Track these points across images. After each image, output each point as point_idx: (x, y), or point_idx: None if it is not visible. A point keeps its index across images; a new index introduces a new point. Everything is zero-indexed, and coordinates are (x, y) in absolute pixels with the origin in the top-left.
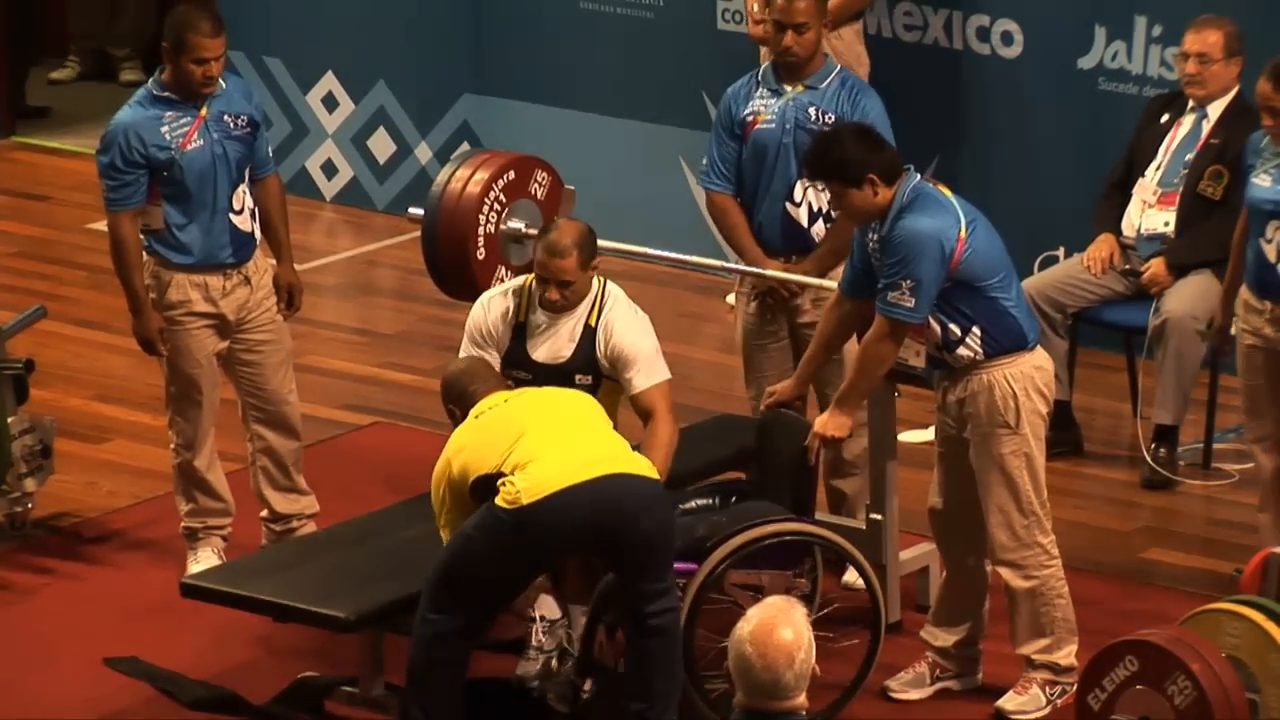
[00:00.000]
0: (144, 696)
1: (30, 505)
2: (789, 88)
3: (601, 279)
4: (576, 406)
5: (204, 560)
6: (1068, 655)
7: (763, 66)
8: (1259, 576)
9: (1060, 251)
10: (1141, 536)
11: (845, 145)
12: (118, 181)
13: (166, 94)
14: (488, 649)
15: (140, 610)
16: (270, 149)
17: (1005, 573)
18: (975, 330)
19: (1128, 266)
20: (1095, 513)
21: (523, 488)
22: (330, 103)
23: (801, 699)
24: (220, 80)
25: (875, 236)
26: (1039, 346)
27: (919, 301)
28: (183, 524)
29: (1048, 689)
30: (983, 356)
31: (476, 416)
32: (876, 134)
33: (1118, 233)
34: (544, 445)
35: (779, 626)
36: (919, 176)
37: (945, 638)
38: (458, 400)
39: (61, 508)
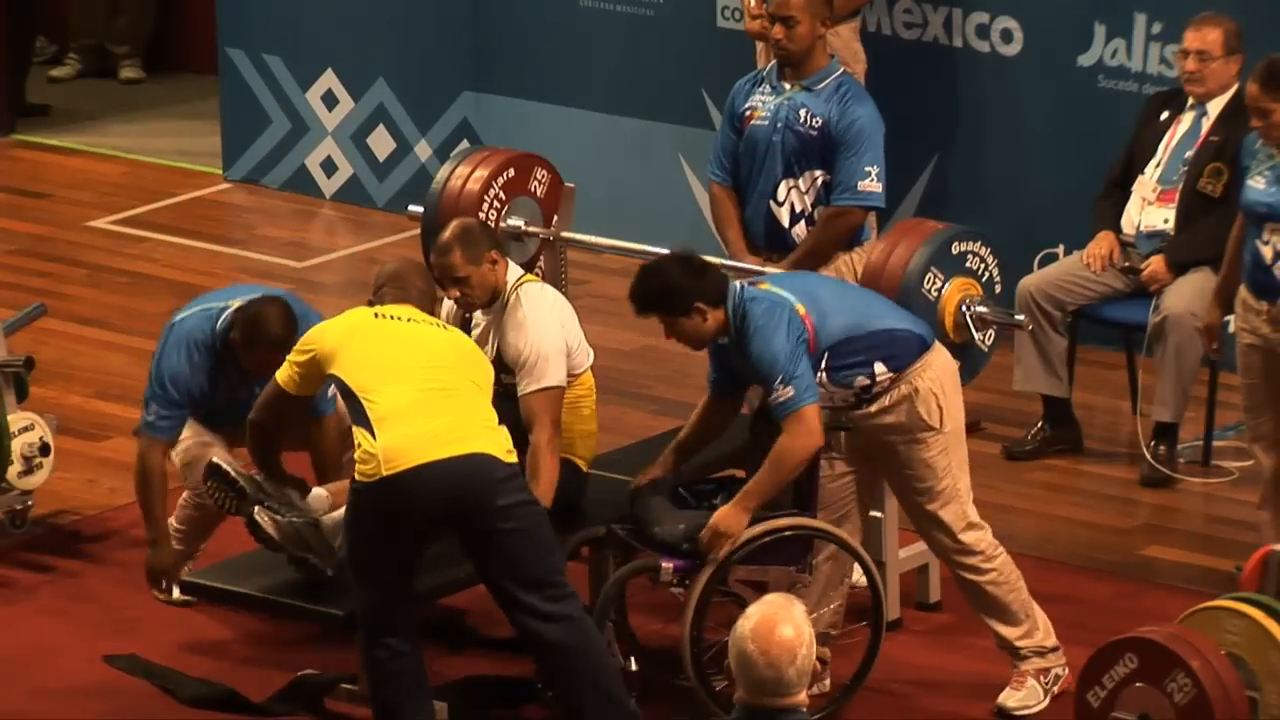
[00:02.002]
0: (143, 693)
1: (30, 503)
2: (788, 86)
3: (524, 278)
4: (465, 368)
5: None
6: (1047, 634)
7: (771, 64)
8: (1259, 574)
9: (1060, 249)
10: (1141, 534)
11: (669, 274)
12: (163, 411)
13: (231, 354)
14: (486, 647)
15: (140, 607)
16: (330, 391)
17: (959, 573)
18: (878, 365)
19: (1127, 264)
20: (1095, 510)
21: (383, 458)
22: (330, 100)
23: (802, 696)
24: None
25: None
26: (936, 341)
27: (798, 388)
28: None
29: (1041, 678)
30: (895, 374)
31: (376, 316)
32: (699, 260)
33: (1117, 230)
34: (412, 409)
35: (780, 623)
36: (739, 285)
37: None
38: (375, 291)
39: (61, 505)
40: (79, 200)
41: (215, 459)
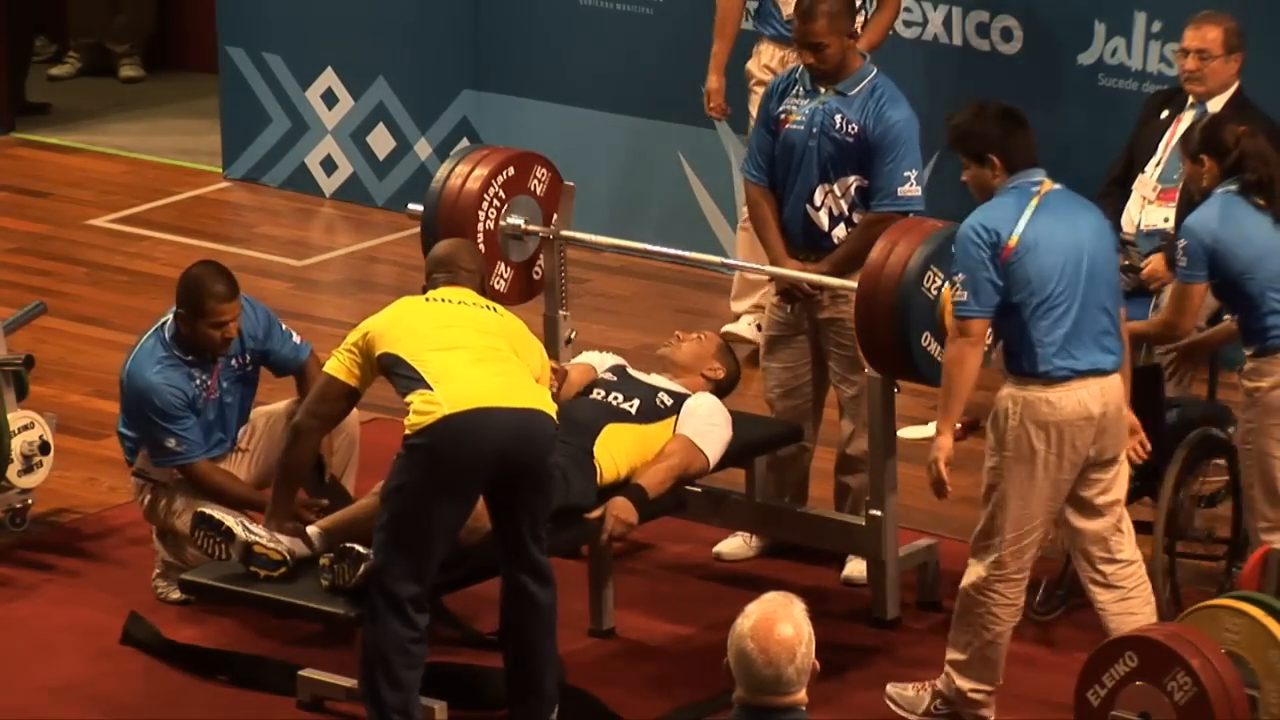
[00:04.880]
0: (144, 691)
1: (30, 501)
2: (822, 90)
3: None
4: (510, 341)
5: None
6: (969, 686)
7: (803, 65)
8: (1258, 572)
9: None
10: (1141, 532)
11: (981, 115)
12: (179, 433)
13: (189, 356)
14: (477, 645)
15: (140, 605)
16: (297, 338)
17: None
18: (1000, 345)
19: (1127, 262)
20: None
21: (446, 400)
22: (330, 99)
23: (802, 694)
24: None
25: None
26: (1072, 385)
27: (970, 295)
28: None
29: (939, 702)
30: (1006, 371)
31: (427, 300)
32: (1018, 118)
33: (1117, 229)
34: (468, 368)
35: (780, 622)
36: (1037, 179)
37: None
38: (427, 277)
39: (61, 504)
40: (79, 199)
41: (199, 508)
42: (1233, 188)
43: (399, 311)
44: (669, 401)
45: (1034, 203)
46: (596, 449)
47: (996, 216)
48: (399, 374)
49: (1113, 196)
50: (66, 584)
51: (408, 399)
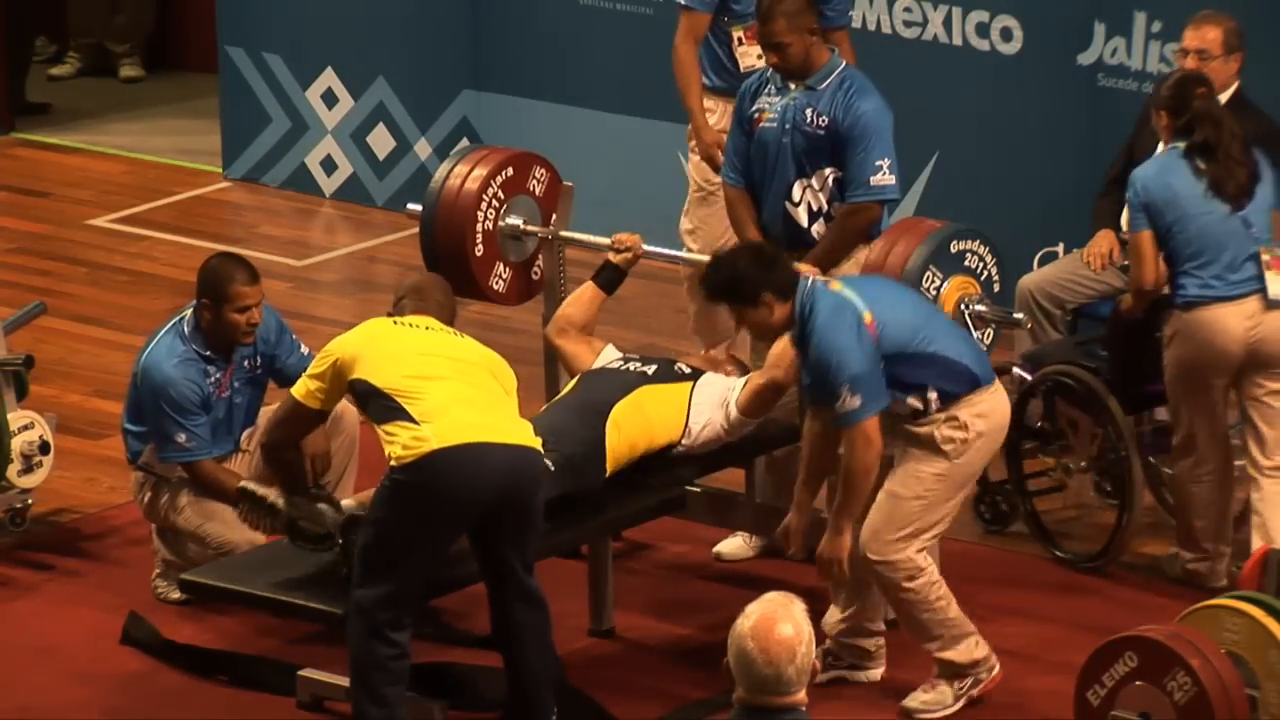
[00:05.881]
0: (144, 692)
1: (30, 501)
2: (792, 87)
3: None
4: (490, 369)
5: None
6: (966, 651)
7: (769, 65)
8: (1258, 572)
9: (1060, 248)
10: (1141, 532)
11: (737, 263)
12: (190, 428)
13: (207, 352)
14: (471, 645)
15: (140, 605)
16: (304, 349)
17: (875, 573)
18: (931, 391)
19: (1127, 262)
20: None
21: (435, 435)
22: (330, 99)
23: (802, 694)
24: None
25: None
26: (990, 389)
27: (866, 397)
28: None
29: (955, 683)
30: (944, 403)
31: (395, 323)
32: (771, 252)
33: (1117, 229)
34: (456, 402)
35: (780, 622)
36: (809, 280)
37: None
38: (394, 304)
39: (61, 504)
40: (79, 199)
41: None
42: (1180, 145)
43: (369, 335)
44: (687, 370)
45: (836, 286)
46: (608, 430)
47: (835, 305)
48: (377, 401)
49: (1112, 196)
50: (66, 584)
51: (386, 428)
